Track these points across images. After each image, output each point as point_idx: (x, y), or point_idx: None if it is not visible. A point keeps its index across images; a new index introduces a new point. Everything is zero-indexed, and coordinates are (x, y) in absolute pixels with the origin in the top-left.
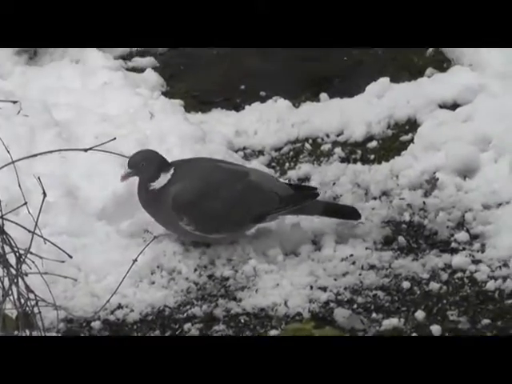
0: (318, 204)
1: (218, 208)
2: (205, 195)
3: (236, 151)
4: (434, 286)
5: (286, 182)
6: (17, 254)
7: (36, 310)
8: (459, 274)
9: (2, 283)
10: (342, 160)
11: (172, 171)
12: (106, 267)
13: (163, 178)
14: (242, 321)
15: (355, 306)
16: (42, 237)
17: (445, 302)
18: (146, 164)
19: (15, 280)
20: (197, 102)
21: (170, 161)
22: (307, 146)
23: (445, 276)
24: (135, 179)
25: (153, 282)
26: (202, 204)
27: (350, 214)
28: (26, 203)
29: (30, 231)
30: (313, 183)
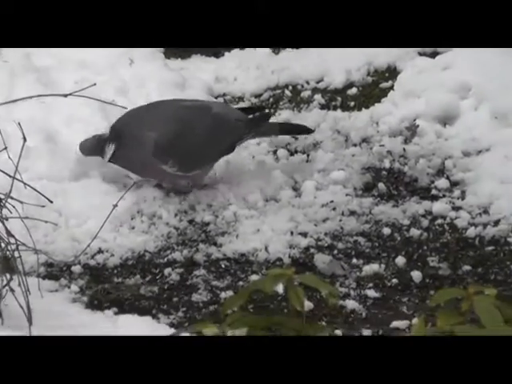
0: (274, 125)
1: (195, 144)
2: (182, 135)
3: (216, 97)
4: (415, 232)
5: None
6: None
7: (16, 254)
8: (439, 221)
9: None
10: (322, 107)
11: (109, 145)
12: (87, 212)
13: (108, 150)
14: (223, 266)
15: (336, 252)
16: (22, 181)
17: (425, 248)
18: (86, 154)
19: None
20: (176, 49)
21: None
22: (287, 92)
23: (425, 222)
24: None
25: (133, 227)
26: (182, 144)
27: (303, 129)
28: (5, 148)
29: (10, 176)
30: None
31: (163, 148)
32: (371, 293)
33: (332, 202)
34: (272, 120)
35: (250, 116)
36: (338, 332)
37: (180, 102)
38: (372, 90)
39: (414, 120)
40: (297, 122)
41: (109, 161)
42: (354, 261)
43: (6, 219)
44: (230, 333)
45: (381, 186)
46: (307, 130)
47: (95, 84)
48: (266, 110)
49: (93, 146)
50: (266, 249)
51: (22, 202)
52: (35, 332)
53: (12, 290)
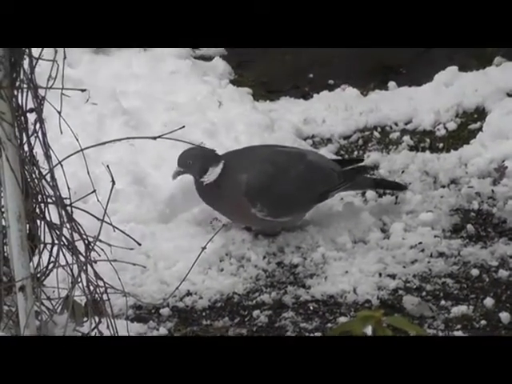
0: (368, 179)
1: (287, 191)
2: (275, 179)
3: (304, 139)
4: (503, 273)
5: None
6: (86, 241)
7: (105, 296)
8: None
9: (72, 270)
10: (411, 148)
11: (221, 165)
12: (175, 254)
13: (212, 172)
14: (311, 308)
15: (424, 294)
16: (110, 224)
17: None
18: (192, 162)
19: (84, 267)
20: (265, 91)
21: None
22: (376, 134)
23: None
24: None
25: (221, 270)
26: (273, 188)
27: (397, 186)
28: (94, 191)
29: (98, 219)
30: (381, 171)
31: (254, 190)
32: (459, 334)
33: (420, 243)
34: (365, 163)
35: (347, 168)
36: None
37: (276, 148)
38: (461, 131)
39: (503, 161)
40: (392, 179)
41: (200, 183)
42: (443, 302)
43: (95, 262)
44: None
45: (469, 227)
46: (401, 187)
47: (184, 126)
48: (362, 164)
49: (197, 160)
50: (355, 291)
51: (110, 245)
52: None
53: (101, 333)
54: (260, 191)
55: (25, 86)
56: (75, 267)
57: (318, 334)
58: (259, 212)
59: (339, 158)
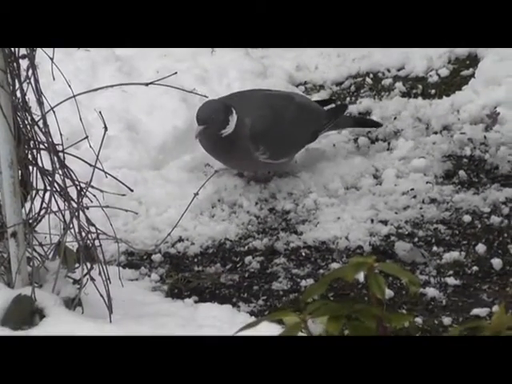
0: (348, 117)
1: (285, 132)
2: (275, 121)
3: (297, 86)
4: (495, 219)
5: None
6: (78, 187)
7: (97, 243)
8: None
9: (64, 217)
10: (403, 94)
11: (234, 112)
12: (167, 201)
13: (232, 122)
14: (303, 254)
15: (416, 240)
16: (103, 170)
17: (506, 235)
18: (215, 116)
19: (76, 213)
20: None
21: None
22: (368, 80)
23: (506, 210)
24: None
25: (213, 216)
26: (274, 130)
27: (374, 123)
28: (87, 137)
29: (91, 165)
30: (374, 117)
31: (258, 133)
32: (451, 280)
33: (413, 189)
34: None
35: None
36: (418, 319)
37: (265, 91)
38: (453, 77)
39: (495, 107)
40: (372, 114)
41: (198, 138)
42: (435, 248)
43: (87, 208)
44: (310, 321)
45: (462, 173)
46: (377, 125)
47: (176, 73)
48: (339, 102)
49: (219, 113)
50: (347, 237)
51: (102, 191)
52: (116, 320)
53: (93, 279)
54: (263, 134)
55: None
56: (67, 213)
57: (310, 280)
58: (261, 155)
59: (318, 99)
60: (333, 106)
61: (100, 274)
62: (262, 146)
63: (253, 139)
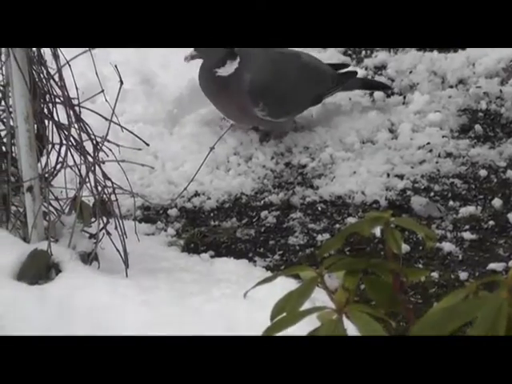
0: (357, 80)
1: (287, 90)
2: (277, 79)
3: None
4: (511, 174)
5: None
6: (94, 141)
7: (113, 197)
8: None
9: (80, 171)
10: (419, 48)
11: (238, 59)
12: (183, 155)
13: (230, 66)
14: (319, 208)
15: (432, 194)
16: (118, 124)
17: None
18: (213, 49)
19: (92, 168)
20: None
21: None
22: None
23: None
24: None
25: (229, 170)
26: (275, 88)
27: (382, 86)
28: (102, 91)
29: (106, 119)
30: (389, 71)
31: (258, 89)
32: (467, 235)
33: (428, 143)
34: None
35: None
36: (435, 274)
37: (272, 49)
38: None
39: (511, 61)
40: (378, 80)
41: (204, 85)
42: (451, 203)
43: (103, 162)
44: (326, 276)
45: (477, 127)
46: (386, 87)
47: None
48: (352, 68)
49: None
50: (363, 191)
51: (118, 145)
52: (132, 275)
53: (109, 234)
54: (263, 90)
55: None
56: (83, 167)
57: (326, 234)
58: (260, 112)
59: (331, 62)
60: (344, 70)
61: (116, 228)
62: (262, 103)
63: (252, 94)
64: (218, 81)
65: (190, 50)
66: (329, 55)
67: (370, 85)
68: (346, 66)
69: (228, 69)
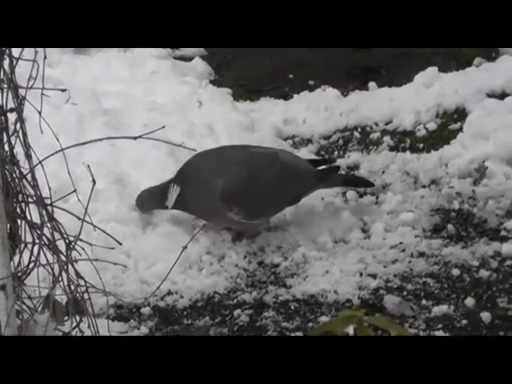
0: (338, 177)
1: (262, 194)
2: (250, 182)
3: (285, 139)
4: (484, 273)
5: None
6: (67, 240)
7: (86, 296)
8: (509, 262)
9: (53, 270)
10: (391, 148)
11: (173, 188)
12: (156, 254)
13: (170, 198)
14: (292, 307)
15: (405, 293)
16: (91, 224)
17: (494, 289)
18: (146, 204)
19: (65, 266)
20: (245, 91)
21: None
22: (356, 134)
23: (494, 264)
24: None
25: (202, 269)
26: (249, 192)
27: (365, 183)
28: (75, 190)
29: (79, 218)
30: (362, 171)
31: (230, 194)
32: (440, 334)
33: (401, 243)
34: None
35: (319, 167)
36: None
37: (249, 149)
38: (441, 131)
39: (483, 162)
40: (360, 176)
41: (172, 207)
42: (424, 302)
43: (76, 261)
44: None
45: (450, 227)
46: (368, 184)
47: (164, 126)
48: (335, 164)
49: (152, 197)
50: (336, 290)
51: (91, 245)
52: None
53: (81, 332)
54: (236, 196)
55: (5, 85)
56: (56, 266)
57: (299, 333)
58: (235, 215)
59: (312, 158)
60: (325, 166)
61: (89, 327)
62: (236, 207)
63: (225, 200)
64: (178, 205)
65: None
66: (301, 155)
67: (351, 182)
68: (331, 160)
69: (170, 200)
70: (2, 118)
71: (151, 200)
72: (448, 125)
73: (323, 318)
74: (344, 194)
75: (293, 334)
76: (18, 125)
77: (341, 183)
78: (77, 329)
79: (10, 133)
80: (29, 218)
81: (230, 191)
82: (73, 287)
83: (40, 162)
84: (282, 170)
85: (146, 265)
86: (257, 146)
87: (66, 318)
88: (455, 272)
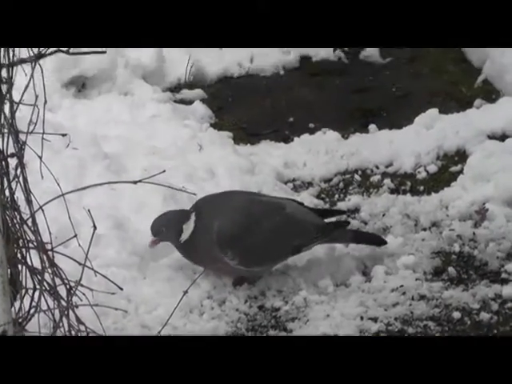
0: (347, 232)
1: (260, 241)
2: (248, 228)
3: (285, 183)
4: (485, 316)
5: (314, 208)
6: (67, 286)
7: None
8: (510, 304)
9: (53, 315)
10: (392, 191)
11: (193, 217)
12: (156, 299)
13: (187, 229)
14: None
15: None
16: (92, 269)
17: (495, 332)
18: (165, 228)
19: (66, 312)
20: (245, 134)
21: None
22: (356, 177)
23: (495, 306)
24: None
25: (203, 314)
26: (245, 238)
27: (377, 241)
28: (75, 236)
29: (80, 263)
30: (362, 214)
31: (225, 238)
32: None
33: (402, 286)
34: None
35: (328, 219)
36: None
37: (254, 196)
38: (441, 173)
39: (484, 204)
40: (371, 232)
41: (179, 243)
42: None
43: (77, 307)
44: None
45: (451, 270)
46: (381, 242)
47: (164, 171)
48: (343, 219)
49: (170, 225)
50: (336, 334)
51: (92, 290)
52: None
53: None
54: (231, 239)
55: (5, 130)
56: (57, 312)
57: None
58: (231, 261)
59: (322, 208)
60: (335, 219)
61: None
62: (230, 251)
63: (218, 243)
64: (186, 244)
65: (150, 238)
66: (301, 198)
67: (362, 238)
68: (342, 212)
69: (186, 232)
70: (3, 163)
71: (169, 225)
72: (449, 167)
73: None
74: None
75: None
76: (19, 170)
77: (350, 240)
78: None
79: (11, 178)
80: (29, 263)
81: (224, 234)
82: (73, 333)
83: (41, 207)
84: (284, 221)
85: (146, 309)
86: (268, 195)
87: None
88: (456, 315)
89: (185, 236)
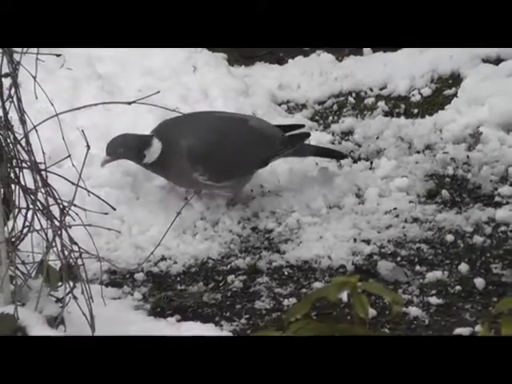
0: (310, 146)
1: (228, 156)
2: (216, 144)
3: (279, 104)
4: (478, 239)
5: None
6: (60, 206)
7: (79, 261)
8: (503, 228)
9: (46, 235)
10: (386, 114)
11: (156, 140)
12: (150, 219)
13: (150, 153)
14: (286, 273)
15: (399, 259)
16: (85, 189)
17: (488, 255)
18: (123, 150)
19: (59, 232)
20: (240, 56)
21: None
22: (350, 99)
23: (488, 229)
24: None
25: (196, 234)
26: (214, 153)
27: (337, 155)
28: (69, 156)
29: (73, 183)
30: (356, 137)
31: (196, 155)
32: (434, 300)
33: (395, 209)
34: (336, 126)
35: (289, 133)
36: None
37: (217, 114)
38: (436, 97)
39: (478, 127)
40: (330, 147)
41: (143, 164)
42: (417, 268)
43: (69, 227)
44: None
45: (444, 192)
46: (341, 156)
47: (159, 91)
48: (306, 130)
49: (129, 145)
50: (329, 256)
51: (85, 210)
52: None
53: (75, 298)
54: (201, 156)
55: None
56: (50, 232)
57: (292, 299)
58: (201, 176)
59: (281, 124)
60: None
61: (83, 292)
62: (201, 167)
63: (189, 159)
64: (155, 167)
65: (103, 156)
66: (295, 120)
67: (323, 152)
68: (301, 126)
69: (151, 156)
70: None
71: (128, 149)
72: (443, 90)
73: (317, 284)
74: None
75: (286, 300)
76: (13, 90)
77: (310, 154)
78: (70, 294)
79: (5, 98)
80: (23, 183)
81: (195, 151)
82: (66, 253)
83: (34, 127)
84: (250, 134)
85: (139, 230)
86: (227, 112)
87: (60, 283)
88: (449, 238)
89: (150, 159)
